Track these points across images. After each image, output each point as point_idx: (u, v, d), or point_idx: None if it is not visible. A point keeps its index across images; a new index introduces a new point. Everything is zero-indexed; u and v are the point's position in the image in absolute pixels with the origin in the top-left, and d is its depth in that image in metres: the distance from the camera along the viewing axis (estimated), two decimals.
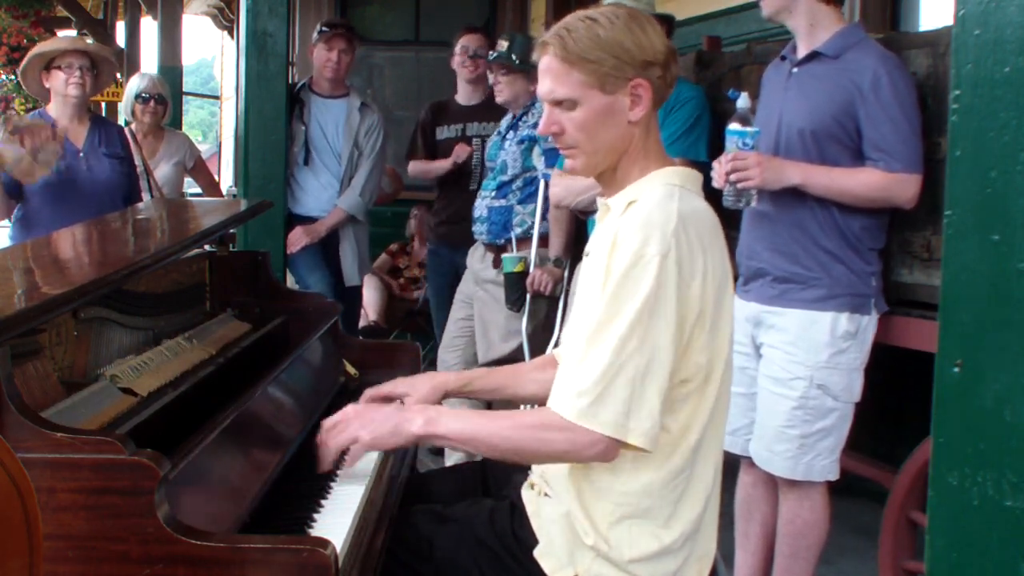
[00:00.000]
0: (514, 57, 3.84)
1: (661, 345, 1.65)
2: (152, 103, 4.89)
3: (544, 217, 3.84)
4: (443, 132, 4.67)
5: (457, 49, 4.59)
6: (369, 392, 2.16)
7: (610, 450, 1.67)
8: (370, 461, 2.03)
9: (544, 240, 3.85)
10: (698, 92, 3.38)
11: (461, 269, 4.57)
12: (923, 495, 2.04)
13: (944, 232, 1.38)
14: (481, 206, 4.02)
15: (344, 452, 1.88)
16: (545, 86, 1.79)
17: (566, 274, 3.79)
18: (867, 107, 2.59)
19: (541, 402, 1.86)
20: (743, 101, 2.64)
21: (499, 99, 4.02)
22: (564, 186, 3.54)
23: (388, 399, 2.13)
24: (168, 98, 5.06)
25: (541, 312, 3.88)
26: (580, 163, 1.82)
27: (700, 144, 3.21)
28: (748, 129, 2.62)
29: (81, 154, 3.90)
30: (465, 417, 1.87)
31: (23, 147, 3.45)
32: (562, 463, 1.77)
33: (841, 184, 2.63)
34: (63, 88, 3.87)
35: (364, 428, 1.82)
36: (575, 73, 1.75)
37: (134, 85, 4.99)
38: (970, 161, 1.34)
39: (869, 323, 2.70)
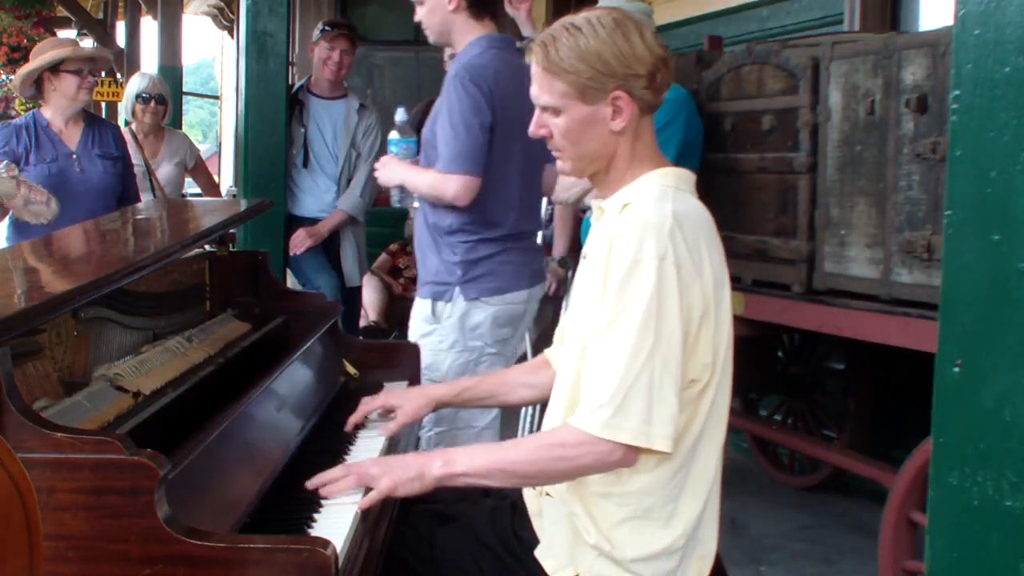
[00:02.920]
0: None
1: (671, 348, 1.65)
2: (152, 103, 4.89)
3: (549, 217, 3.84)
4: None
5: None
6: (365, 401, 2.19)
7: (629, 455, 1.67)
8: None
9: (548, 240, 3.85)
10: (678, 94, 3.40)
11: None
12: (923, 495, 2.04)
13: (944, 232, 1.38)
14: None
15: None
16: (533, 91, 1.83)
17: (569, 274, 3.78)
18: (437, 114, 2.91)
19: (542, 407, 1.87)
20: (400, 115, 3.06)
21: None
22: (555, 182, 3.57)
23: (384, 410, 2.19)
24: (168, 98, 5.05)
25: (547, 318, 3.87)
26: (568, 166, 1.85)
27: (669, 145, 3.23)
28: (399, 139, 3.03)
29: (74, 156, 3.90)
30: (483, 451, 1.86)
31: (18, 191, 3.52)
32: (584, 476, 1.75)
33: (415, 181, 2.97)
34: (74, 92, 3.86)
35: (386, 474, 1.78)
36: (556, 83, 1.77)
37: (134, 85, 4.99)
38: (970, 161, 1.34)
39: (455, 309, 2.90)
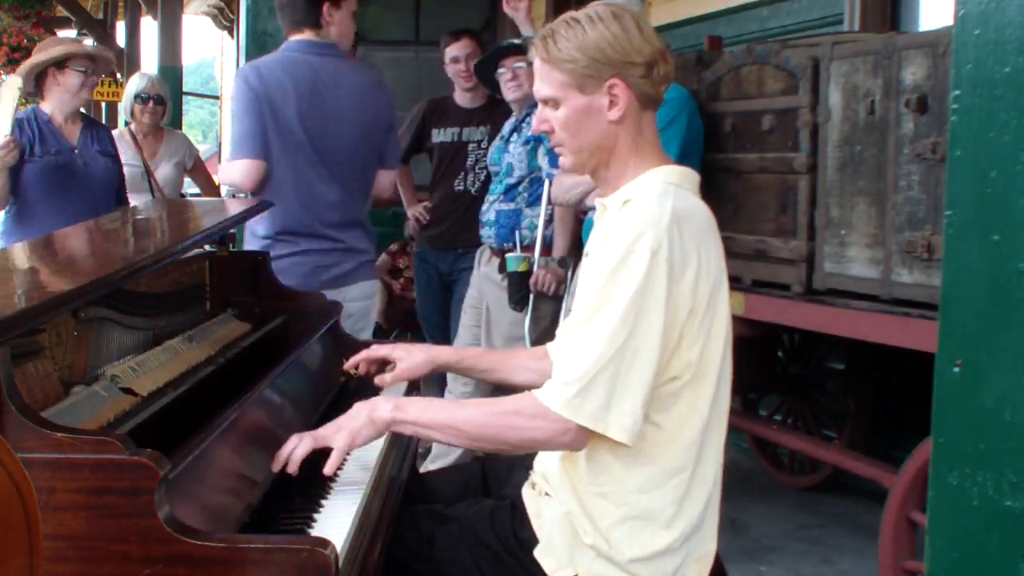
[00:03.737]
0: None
1: (648, 341, 1.66)
2: (151, 103, 4.90)
3: (549, 218, 3.84)
4: (439, 135, 4.63)
5: (447, 59, 4.55)
6: (364, 352, 2.22)
7: (580, 438, 1.70)
8: (370, 461, 2.03)
9: (549, 240, 3.85)
10: (680, 93, 3.41)
11: (445, 272, 4.58)
12: (923, 495, 2.04)
13: (944, 232, 1.38)
14: (489, 210, 4.01)
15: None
16: (536, 84, 1.85)
17: (569, 274, 3.79)
18: None
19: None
20: None
21: (517, 95, 3.96)
22: (557, 183, 3.58)
23: (384, 361, 2.23)
24: (167, 98, 5.05)
25: (547, 318, 3.88)
26: (569, 161, 1.86)
27: (671, 144, 3.24)
28: None
29: (76, 151, 3.92)
30: (436, 405, 1.87)
31: None
32: (532, 450, 1.80)
33: (221, 174, 3.30)
34: (76, 88, 3.89)
35: (339, 430, 1.81)
36: (555, 73, 1.79)
37: (133, 85, 5.00)
38: (970, 161, 1.34)
39: None
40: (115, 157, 4.09)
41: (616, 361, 1.65)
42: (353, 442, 1.81)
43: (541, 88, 1.83)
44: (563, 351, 1.74)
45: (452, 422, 1.77)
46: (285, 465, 1.83)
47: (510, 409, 1.74)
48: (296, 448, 1.81)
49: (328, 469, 1.78)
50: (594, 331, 1.67)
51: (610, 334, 1.65)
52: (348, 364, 2.25)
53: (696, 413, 1.75)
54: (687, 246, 1.69)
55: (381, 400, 1.85)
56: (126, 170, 4.80)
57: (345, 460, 2.03)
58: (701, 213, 1.79)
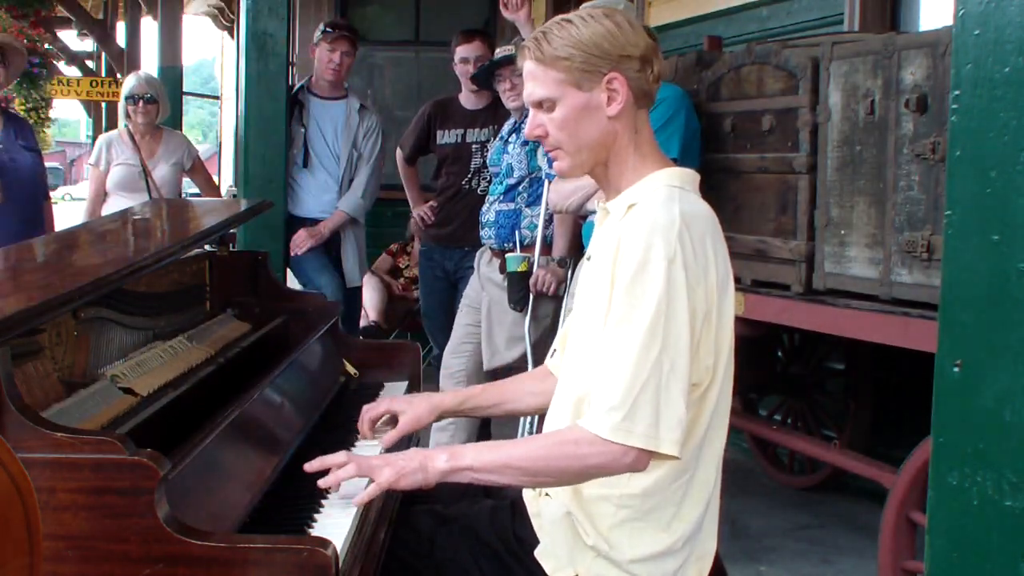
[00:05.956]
0: None
1: (680, 350, 1.64)
2: (141, 104, 4.87)
3: (549, 218, 3.84)
4: (443, 137, 4.62)
5: (456, 59, 4.55)
6: (367, 408, 2.15)
7: (641, 459, 1.66)
8: None
9: (549, 240, 3.85)
10: (674, 92, 3.41)
11: (451, 271, 4.58)
12: (923, 495, 2.04)
13: (944, 232, 1.38)
14: (489, 211, 4.01)
15: None
16: (527, 89, 1.82)
17: (569, 274, 3.79)
18: None
19: (541, 414, 1.84)
20: None
21: (516, 104, 3.94)
22: (555, 190, 3.57)
23: (389, 416, 2.14)
24: (159, 98, 4.99)
25: (547, 318, 3.88)
26: (566, 164, 1.82)
27: (672, 142, 3.24)
28: None
29: (1, 146, 3.93)
30: (490, 447, 1.83)
31: None
32: (595, 477, 1.73)
33: None
34: None
35: (388, 465, 1.75)
36: (551, 72, 1.77)
37: (125, 87, 5.01)
38: (970, 161, 1.34)
39: None
40: (38, 152, 4.10)
41: (655, 376, 1.62)
42: (397, 483, 1.73)
43: (535, 90, 1.79)
44: (598, 374, 1.68)
45: (510, 461, 1.72)
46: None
47: (568, 439, 1.69)
48: (341, 471, 1.76)
49: (361, 499, 1.74)
50: (625, 350, 1.63)
51: (643, 351, 1.62)
52: (362, 436, 2.13)
53: (702, 416, 1.74)
54: (699, 250, 1.68)
55: (436, 451, 1.77)
56: (124, 170, 4.81)
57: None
58: (706, 215, 1.77)
